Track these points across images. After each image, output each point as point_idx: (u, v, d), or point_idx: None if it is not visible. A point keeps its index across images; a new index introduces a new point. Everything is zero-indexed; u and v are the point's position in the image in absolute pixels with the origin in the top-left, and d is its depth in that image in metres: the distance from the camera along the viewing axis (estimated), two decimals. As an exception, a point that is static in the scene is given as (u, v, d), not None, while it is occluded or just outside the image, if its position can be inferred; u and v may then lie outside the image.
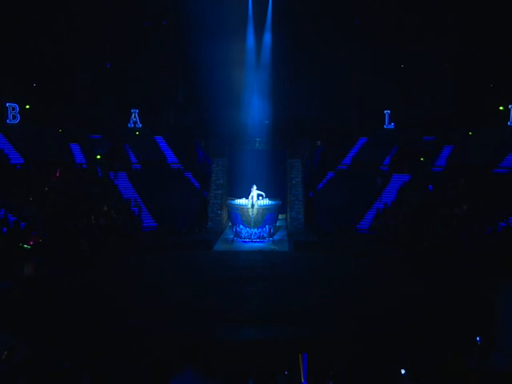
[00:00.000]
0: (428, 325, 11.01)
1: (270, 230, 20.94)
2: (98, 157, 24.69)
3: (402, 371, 7.30)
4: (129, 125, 27.44)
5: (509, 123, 23.97)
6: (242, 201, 21.11)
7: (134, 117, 27.36)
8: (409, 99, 26.86)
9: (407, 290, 13.95)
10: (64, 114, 26.23)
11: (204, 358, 6.50)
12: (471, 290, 13.11)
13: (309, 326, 11.24)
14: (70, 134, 25.50)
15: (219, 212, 22.91)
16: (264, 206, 20.80)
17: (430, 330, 10.66)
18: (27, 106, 25.30)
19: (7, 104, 24.35)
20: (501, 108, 24.38)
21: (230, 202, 21.69)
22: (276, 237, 21.47)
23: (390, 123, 26.89)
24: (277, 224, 22.31)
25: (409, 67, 26.19)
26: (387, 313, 11.86)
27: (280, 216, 23.17)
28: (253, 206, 20.34)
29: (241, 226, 20.76)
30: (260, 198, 20.94)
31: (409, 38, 25.30)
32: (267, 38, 27.67)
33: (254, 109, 27.17)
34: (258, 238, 20.67)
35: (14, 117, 24.54)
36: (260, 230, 20.67)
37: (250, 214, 20.32)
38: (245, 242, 20.60)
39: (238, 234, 20.95)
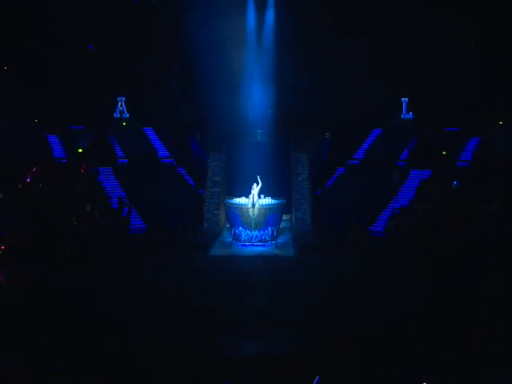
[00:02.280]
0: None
1: (272, 232, 20.88)
2: (80, 150, 24.61)
3: None
4: (115, 114, 27.30)
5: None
6: (242, 200, 21.05)
7: (121, 105, 27.23)
8: (429, 85, 26.69)
9: (417, 291, 14.39)
10: (40, 101, 25.97)
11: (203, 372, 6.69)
12: (476, 289, 13.68)
13: (315, 340, 11.26)
14: (47, 124, 25.34)
15: (216, 212, 22.90)
16: (266, 205, 20.73)
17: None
18: None
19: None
20: None
21: (228, 201, 21.66)
22: (279, 240, 21.40)
23: (407, 112, 26.73)
24: (280, 226, 22.27)
25: (429, 50, 26.09)
26: (396, 321, 12.13)
27: (284, 217, 23.10)
28: (253, 205, 20.29)
29: (240, 227, 20.72)
30: (261, 196, 20.90)
31: (429, 19, 25.22)
32: (270, 15, 27.48)
33: (256, 97, 27.09)
34: (260, 241, 20.63)
35: (-20, 104, 24.42)
36: (262, 232, 20.63)
37: (251, 214, 20.29)
38: (244, 245, 20.55)
39: (237, 237, 20.89)
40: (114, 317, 12.05)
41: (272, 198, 21.29)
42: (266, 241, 20.73)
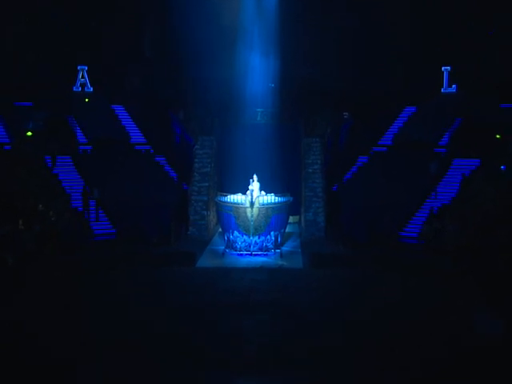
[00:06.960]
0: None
1: (276, 238, 20.89)
2: (29, 133, 24.52)
3: None
4: (74, 88, 27.52)
5: None
6: (238, 197, 21.00)
7: (82, 76, 27.47)
8: (479, 51, 26.60)
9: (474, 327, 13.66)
10: None
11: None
12: None
13: (328, 375, 11.04)
14: None
15: (205, 213, 22.99)
16: (268, 204, 20.65)
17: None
18: None
19: None
20: None
21: (220, 198, 21.51)
22: (285, 248, 21.49)
23: (450, 85, 26.96)
24: (286, 230, 22.34)
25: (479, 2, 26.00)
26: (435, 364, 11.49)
27: (291, 219, 23.22)
28: (252, 204, 20.24)
29: (235, 232, 20.68)
30: (261, 193, 20.83)
31: None
32: None
33: (255, 66, 27.07)
34: (260, 249, 20.65)
35: None
36: (262, 238, 20.61)
37: (249, 215, 20.25)
38: (241, 255, 20.59)
39: (231, 245, 20.91)
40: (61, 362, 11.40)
41: (276, 196, 21.19)
42: (267, 249, 20.77)
